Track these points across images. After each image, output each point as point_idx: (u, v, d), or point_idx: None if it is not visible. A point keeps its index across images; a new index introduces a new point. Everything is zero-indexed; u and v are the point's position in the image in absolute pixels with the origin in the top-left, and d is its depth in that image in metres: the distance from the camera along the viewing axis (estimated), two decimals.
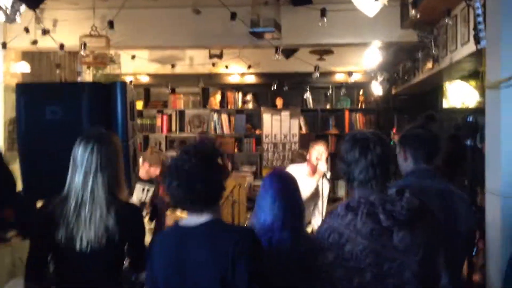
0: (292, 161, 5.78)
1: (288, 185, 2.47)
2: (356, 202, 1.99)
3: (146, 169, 5.18)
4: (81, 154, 2.30)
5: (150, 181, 5.23)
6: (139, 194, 5.20)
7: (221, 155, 2.09)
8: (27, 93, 2.96)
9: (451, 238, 2.31)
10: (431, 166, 2.58)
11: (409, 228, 1.93)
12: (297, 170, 4.71)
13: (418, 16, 4.55)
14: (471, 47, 4.37)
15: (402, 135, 2.68)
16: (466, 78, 6.97)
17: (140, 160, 5.24)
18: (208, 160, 2.01)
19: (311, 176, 4.66)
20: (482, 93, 5.18)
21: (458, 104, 7.54)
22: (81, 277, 2.32)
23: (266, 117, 8.77)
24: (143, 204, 5.24)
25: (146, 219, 5.20)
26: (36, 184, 2.97)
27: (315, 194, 4.63)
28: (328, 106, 9.15)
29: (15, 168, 3.27)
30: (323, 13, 4.71)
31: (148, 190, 5.19)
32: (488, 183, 3.16)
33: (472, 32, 3.97)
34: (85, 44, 5.73)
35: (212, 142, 2.14)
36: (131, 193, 3.02)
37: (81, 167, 2.29)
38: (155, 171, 5.21)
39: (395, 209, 1.93)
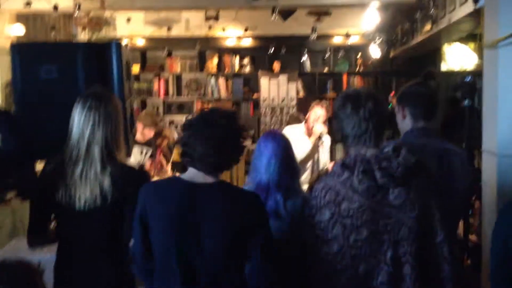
0: (288, 123, 5.77)
1: (281, 145, 2.48)
2: (352, 160, 1.99)
3: (140, 130, 5.20)
4: (79, 112, 2.29)
5: (147, 143, 5.25)
6: (137, 157, 5.22)
7: (245, 128, 2.10)
8: (21, 52, 2.92)
9: (447, 196, 2.32)
10: (430, 124, 2.58)
11: (404, 185, 1.95)
12: (293, 131, 4.73)
13: None
14: (469, 7, 4.33)
15: (400, 92, 2.67)
16: (464, 40, 6.91)
17: (137, 122, 5.25)
18: (237, 128, 2.03)
19: (307, 136, 4.67)
20: (481, 55, 5.15)
21: (456, 67, 7.49)
22: (81, 236, 2.34)
23: (264, 80, 8.73)
24: (141, 166, 5.27)
25: None
26: (33, 144, 2.96)
27: (311, 154, 4.64)
28: (325, 70, 9.10)
29: None
30: None
31: (146, 153, 5.22)
32: (484, 142, 3.17)
33: None
34: (79, 6, 5.65)
35: (236, 113, 2.13)
36: (129, 154, 3.01)
37: (79, 125, 2.28)
38: (149, 132, 5.23)
39: (391, 166, 1.94)
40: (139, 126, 5.22)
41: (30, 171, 3.00)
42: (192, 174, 2.02)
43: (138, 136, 5.21)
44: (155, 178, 5.23)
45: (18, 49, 2.96)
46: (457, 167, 2.47)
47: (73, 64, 2.87)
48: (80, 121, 2.28)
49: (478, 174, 3.28)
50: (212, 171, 2.01)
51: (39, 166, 2.67)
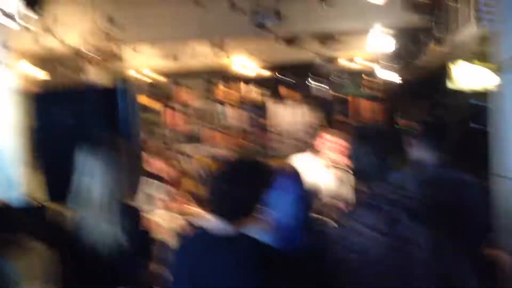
0: (299, 150, 5.76)
1: (301, 184, 2.46)
2: (364, 195, 2.00)
3: (148, 161, 5.21)
4: (83, 159, 2.32)
5: (155, 174, 5.25)
6: (146, 188, 5.22)
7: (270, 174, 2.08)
8: (36, 99, 3.03)
9: (464, 227, 2.30)
10: (441, 154, 2.58)
11: (418, 218, 1.94)
12: (303, 160, 4.71)
13: None
14: (474, 30, 4.33)
15: (410, 125, 2.68)
16: (472, 59, 6.91)
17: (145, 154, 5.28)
18: (259, 176, 2.02)
19: (317, 163, 4.65)
20: (490, 75, 5.14)
21: (465, 86, 7.47)
22: (94, 282, 2.35)
23: (272, 107, 8.76)
24: (149, 198, 5.26)
25: (153, 214, 5.24)
26: (55, 188, 3.02)
27: (321, 183, 4.62)
28: (333, 93, 9.12)
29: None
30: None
31: (154, 184, 5.21)
32: (494, 166, 3.14)
33: (474, 13, 3.93)
34: (87, 42, 5.74)
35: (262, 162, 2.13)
36: (137, 191, 3.04)
37: (84, 172, 2.31)
38: (157, 163, 5.24)
39: (403, 200, 1.94)
40: (146, 157, 5.24)
41: (54, 218, 3.02)
42: (214, 223, 1.99)
43: (146, 167, 5.23)
44: (163, 211, 5.22)
45: (33, 96, 3.06)
46: (473, 198, 2.45)
47: (85, 107, 2.96)
48: (85, 169, 2.31)
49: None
50: (233, 220, 1.98)
51: None
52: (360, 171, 2.07)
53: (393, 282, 1.93)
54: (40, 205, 3.02)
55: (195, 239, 2.05)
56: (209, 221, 2.01)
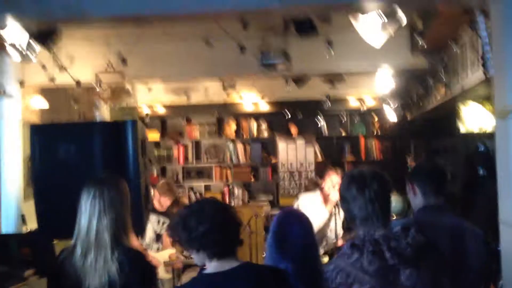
0: (306, 188, 5.77)
1: (307, 230, 2.46)
2: (360, 240, 2.00)
3: (157, 199, 5.23)
4: (85, 200, 2.35)
5: (165, 213, 5.27)
6: (155, 226, 5.23)
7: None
8: (40, 133, 3.05)
9: (461, 274, 2.28)
10: (441, 199, 2.58)
11: (415, 265, 1.93)
12: (309, 199, 4.72)
13: (425, 46, 4.57)
14: (481, 75, 4.36)
15: (409, 171, 2.69)
16: (481, 100, 6.91)
17: (154, 191, 5.31)
18: (226, 207, 2.11)
19: (324, 204, 4.65)
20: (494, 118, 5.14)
21: (475, 128, 7.45)
22: None
23: (282, 145, 8.80)
24: (159, 236, 5.27)
25: (161, 252, 5.23)
26: (51, 223, 3.02)
27: (328, 223, 4.62)
28: (343, 133, 9.15)
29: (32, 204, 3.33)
30: (329, 44, 4.76)
31: (163, 223, 5.22)
32: (501, 213, 3.12)
33: (480, 60, 3.97)
34: (101, 81, 5.85)
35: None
36: (142, 233, 3.04)
37: (86, 213, 2.33)
38: (166, 201, 5.25)
39: (400, 246, 1.93)
40: (156, 195, 5.26)
41: (48, 249, 3.04)
42: (215, 262, 2.02)
43: (156, 205, 5.24)
44: (171, 250, 5.21)
45: (37, 129, 3.09)
46: (471, 245, 2.44)
47: (90, 143, 2.97)
48: (86, 209, 2.33)
49: (495, 253, 3.19)
50: (230, 254, 2.03)
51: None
52: (356, 218, 2.07)
53: None
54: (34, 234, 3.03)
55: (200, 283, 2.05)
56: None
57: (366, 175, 2.07)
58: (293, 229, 2.42)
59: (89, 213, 2.33)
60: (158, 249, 5.26)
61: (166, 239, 5.23)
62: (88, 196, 2.35)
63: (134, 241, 2.53)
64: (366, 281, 1.92)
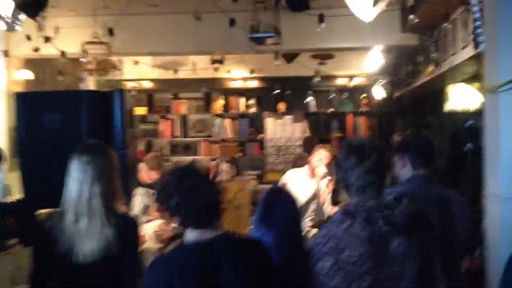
0: (293, 163, 5.77)
1: (291, 209, 2.45)
2: (354, 207, 2.00)
3: (146, 173, 5.19)
4: (76, 167, 2.32)
5: (153, 185, 5.21)
6: (144, 199, 5.20)
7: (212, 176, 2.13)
8: (26, 101, 2.99)
9: (448, 243, 2.31)
10: (429, 171, 2.61)
11: (407, 234, 1.94)
12: (296, 174, 4.74)
13: (416, 21, 4.56)
14: (471, 51, 4.36)
15: (399, 142, 2.70)
16: (468, 80, 6.95)
17: (142, 164, 5.28)
18: (207, 176, 2.06)
19: (311, 177, 4.67)
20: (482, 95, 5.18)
21: (460, 107, 7.50)
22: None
23: (269, 121, 8.79)
24: (147, 207, 5.24)
25: (152, 224, 5.21)
26: (37, 192, 2.99)
27: (315, 197, 4.65)
28: (330, 110, 9.15)
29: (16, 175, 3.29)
30: (321, 19, 4.73)
31: (153, 194, 5.17)
32: (487, 185, 3.15)
33: (471, 36, 3.96)
34: (86, 52, 5.75)
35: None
36: (128, 202, 3.03)
37: (77, 180, 2.31)
38: (155, 175, 5.22)
39: (393, 214, 1.94)
40: (144, 168, 5.22)
41: (32, 218, 3.00)
42: (194, 232, 2.01)
43: (144, 178, 5.21)
44: (159, 221, 5.20)
45: (23, 98, 3.03)
46: (457, 214, 2.48)
47: (76, 112, 2.93)
48: (78, 176, 2.30)
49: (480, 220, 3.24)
50: (210, 223, 2.01)
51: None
52: (353, 187, 2.06)
53: None
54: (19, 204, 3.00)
55: (180, 254, 2.04)
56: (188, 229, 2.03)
57: (366, 145, 2.06)
58: (278, 206, 2.42)
59: (80, 180, 2.30)
60: (147, 221, 5.24)
61: (154, 210, 5.21)
62: (79, 162, 2.32)
63: (123, 209, 2.50)
64: (357, 246, 1.93)
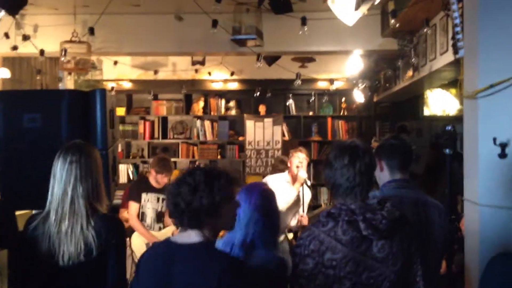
0: (274, 167, 5.76)
1: (264, 200, 2.43)
2: (337, 210, 2.00)
3: (153, 177, 5.09)
4: (60, 167, 2.28)
5: (163, 190, 5.08)
6: (154, 205, 5.12)
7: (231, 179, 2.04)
8: (5, 100, 2.92)
9: (425, 246, 2.34)
10: (406, 175, 2.65)
11: (388, 238, 1.95)
12: (276, 179, 4.68)
13: (397, 25, 4.60)
14: (449, 56, 4.42)
15: (377, 146, 2.73)
16: (446, 86, 7.05)
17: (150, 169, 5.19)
18: (211, 178, 1.97)
19: (291, 184, 4.64)
20: (462, 101, 5.26)
21: (439, 112, 7.61)
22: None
23: (249, 123, 8.77)
24: (160, 213, 5.16)
25: (163, 231, 5.17)
26: (15, 192, 2.93)
27: (296, 202, 4.62)
28: (310, 113, 9.19)
29: None
30: (303, 21, 4.75)
31: (163, 200, 5.07)
32: (466, 191, 3.19)
33: (451, 42, 4.02)
34: (65, 50, 5.68)
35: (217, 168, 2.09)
36: (110, 203, 2.98)
37: (61, 180, 2.27)
38: (163, 178, 5.11)
39: (375, 218, 1.95)
40: (152, 173, 5.12)
41: (10, 220, 2.95)
42: (178, 235, 2.00)
43: (153, 183, 5.10)
44: (172, 228, 5.08)
45: (1, 96, 2.97)
46: (434, 218, 2.52)
47: (56, 112, 2.87)
48: (62, 176, 2.27)
49: (455, 226, 3.28)
50: (192, 227, 1.97)
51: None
52: (341, 187, 2.06)
53: None
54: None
55: (159, 249, 2.03)
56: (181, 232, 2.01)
57: (359, 146, 2.07)
58: (251, 202, 2.40)
59: (64, 180, 2.27)
60: (160, 229, 5.17)
61: (167, 217, 5.08)
62: (63, 162, 2.28)
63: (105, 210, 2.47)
64: (338, 249, 1.94)
